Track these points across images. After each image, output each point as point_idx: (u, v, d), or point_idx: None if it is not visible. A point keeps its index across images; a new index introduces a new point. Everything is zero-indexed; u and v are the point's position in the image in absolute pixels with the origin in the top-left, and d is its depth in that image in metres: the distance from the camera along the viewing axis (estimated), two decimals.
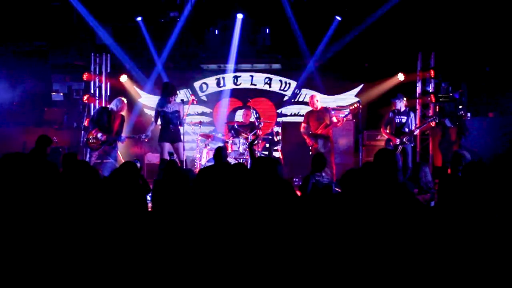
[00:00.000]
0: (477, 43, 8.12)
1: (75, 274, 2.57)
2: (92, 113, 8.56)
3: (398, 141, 6.98)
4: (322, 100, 8.19)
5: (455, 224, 2.90)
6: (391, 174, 3.81)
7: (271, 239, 2.80)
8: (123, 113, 7.30)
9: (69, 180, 3.12)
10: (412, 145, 7.16)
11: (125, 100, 7.31)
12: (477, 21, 7.89)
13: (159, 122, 7.12)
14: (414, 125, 7.21)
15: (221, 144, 7.05)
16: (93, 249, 2.72)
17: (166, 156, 6.79)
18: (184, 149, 7.05)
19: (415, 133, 7.14)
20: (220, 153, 5.46)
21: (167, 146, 6.89)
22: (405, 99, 7.43)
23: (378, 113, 8.83)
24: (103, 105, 9.16)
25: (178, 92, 7.60)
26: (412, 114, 7.26)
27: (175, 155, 6.80)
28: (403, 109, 7.20)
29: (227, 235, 2.84)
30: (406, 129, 7.07)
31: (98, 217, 2.95)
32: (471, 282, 2.55)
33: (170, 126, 6.88)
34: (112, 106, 7.16)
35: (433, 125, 7.74)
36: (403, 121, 7.12)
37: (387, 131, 7.18)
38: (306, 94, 9.77)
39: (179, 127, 6.99)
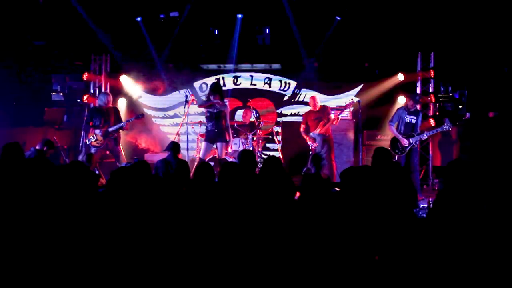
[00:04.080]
0: (477, 43, 8.12)
1: (74, 272, 2.57)
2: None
3: (407, 142, 6.73)
4: (322, 100, 8.19)
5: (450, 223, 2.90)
6: (387, 173, 3.82)
7: (271, 237, 2.80)
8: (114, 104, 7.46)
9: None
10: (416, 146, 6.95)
11: (109, 93, 7.54)
12: (476, 21, 7.88)
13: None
14: (419, 124, 6.93)
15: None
16: (93, 247, 2.72)
17: (205, 157, 6.89)
18: (227, 148, 7.11)
19: (423, 138, 6.89)
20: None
21: (210, 148, 6.93)
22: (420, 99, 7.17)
23: (378, 113, 8.84)
24: (92, 106, 9.12)
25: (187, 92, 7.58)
26: (420, 114, 7.02)
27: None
28: (413, 108, 6.92)
29: (227, 233, 2.84)
30: (415, 131, 6.81)
31: (99, 215, 2.94)
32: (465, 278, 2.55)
33: (214, 126, 6.88)
34: (100, 103, 7.31)
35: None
36: (413, 121, 6.85)
37: (395, 130, 6.88)
38: (306, 94, 9.76)
39: (224, 127, 6.94)
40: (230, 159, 7.55)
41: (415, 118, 6.85)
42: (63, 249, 2.64)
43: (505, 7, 7.66)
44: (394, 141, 6.87)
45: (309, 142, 7.47)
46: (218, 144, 6.93)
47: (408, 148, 6.74)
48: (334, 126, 7.54)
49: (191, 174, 5.70)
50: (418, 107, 7.03)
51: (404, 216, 3.05)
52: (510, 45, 7.94)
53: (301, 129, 7.62)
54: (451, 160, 3.48)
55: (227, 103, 7.02)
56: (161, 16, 9.12)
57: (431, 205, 5.71)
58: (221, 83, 10.06)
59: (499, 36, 7.96)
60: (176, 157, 5.77)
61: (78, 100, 9.70)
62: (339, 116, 7.43)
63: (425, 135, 6.83)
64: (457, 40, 8.18)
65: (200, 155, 7.00)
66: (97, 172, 6.15)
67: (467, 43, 8.13)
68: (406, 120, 6.83)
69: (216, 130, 6.86)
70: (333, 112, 7.57)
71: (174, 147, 5.77)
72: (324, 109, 7.52)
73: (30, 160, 4.41)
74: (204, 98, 7.05)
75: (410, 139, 6.74)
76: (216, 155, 7.28)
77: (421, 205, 5.71)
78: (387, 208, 2.98)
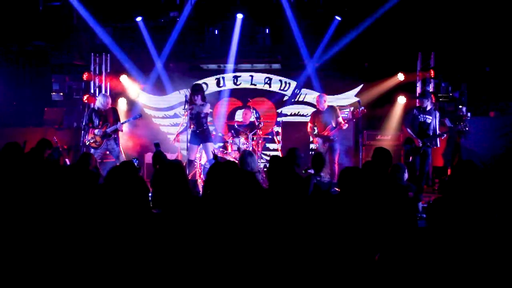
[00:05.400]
0: (477, 43, 8.11)
1: (73, 273, 2.57)
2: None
3: (421, 143, 6.55)
4: None
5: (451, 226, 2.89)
6: (388, 173, 3.81)
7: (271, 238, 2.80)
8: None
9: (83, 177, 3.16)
10: (434, 147, 6.76)
11: (108, 96, 7.54)
12: (476, 21, 7.88)
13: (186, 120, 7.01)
14: (438, 125, 6.73)
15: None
16: (92, 248, 2.71)
17: (192, 158, 6.86)
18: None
19: (442, 137, 6.72)
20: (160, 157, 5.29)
21: (195, 148, 6.90)
22: (432, 96, 7.04)
23: (378, 113, 8.84)
24: (92, 106, 9.11)
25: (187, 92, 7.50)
26: (437, 114, 6.79)
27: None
28: (429, 107, 6.73)
29: (227, 236, 2.84)
30: (431, 131, 6.63)
31: (98, 216, 2.94)
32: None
33: (195, 127, 6.84)
34: (99, 105, 7.31)
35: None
36: (428, 121, 6.66)
37: (410, 130, 6.68)
38: (306, 94, 9.77)
39: (206, 126, 6.90)
40: (230, 158, 7.55)
41: (430, 118, 6.67)
42: (59, 247, 2.65)
43: (505, 6, 7.66)
44: (409, 141, 6.73)
45: (315, 142, 7.51)
46: (203, 144, 6.90)
47: (422, 149, 6.58)
48: None
49: (190, 175, 5.65)
50: (430, 103, 6.80)
51: (403, 217, 3.04)
52: (510, 45, 7.94)
53: (308, 129, 7.64)
54: (461, 161, 3.47)
55: (207, 104, 6.95)
56: (161, 16, 9.13)
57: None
58: (221, 83, 10.07)
59: (499, 35, 7.95)
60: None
61: (78, 100, 9.70)
62: (346, 121, 7.43)
63: (445, 135, 6.73)
64: (457, 40, 8.17)
65: (189, 157, 6.97)
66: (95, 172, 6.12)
67: (467, 42, 8.13)
68: (420, 120, 6.67)
69: (198, 130, 6.85)
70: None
71: (156, 159, 5.32)
72: (333, 111, 7.46)
73: (28, 159, 4.41)
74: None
75: (424, 139, 6.59)
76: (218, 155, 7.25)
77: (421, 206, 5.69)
78: (385, 208, 2.97)
